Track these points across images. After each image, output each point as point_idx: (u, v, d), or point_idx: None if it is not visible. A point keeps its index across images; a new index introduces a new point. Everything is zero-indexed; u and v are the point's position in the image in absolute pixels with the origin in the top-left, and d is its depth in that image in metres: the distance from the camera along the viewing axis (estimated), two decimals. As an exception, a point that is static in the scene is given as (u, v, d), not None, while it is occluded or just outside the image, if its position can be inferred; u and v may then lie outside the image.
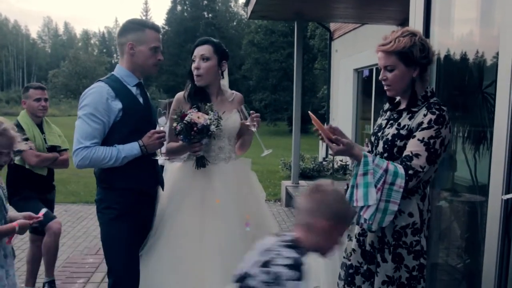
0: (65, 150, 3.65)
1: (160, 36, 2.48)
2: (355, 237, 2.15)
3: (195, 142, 2.45)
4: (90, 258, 4.63)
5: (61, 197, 7.91)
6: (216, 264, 2.41)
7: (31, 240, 3.65)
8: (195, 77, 2.60)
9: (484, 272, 2.17)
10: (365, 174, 1.89)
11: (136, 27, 2.39)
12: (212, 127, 2.42)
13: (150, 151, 2.38)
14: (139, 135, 2.36)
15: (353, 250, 2.15)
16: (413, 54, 1.93)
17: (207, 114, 2.43)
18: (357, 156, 1.93)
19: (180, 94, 2.67)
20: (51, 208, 3.67)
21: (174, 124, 2.43)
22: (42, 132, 3.57)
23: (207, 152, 2.56)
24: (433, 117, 1.90)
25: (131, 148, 2.32)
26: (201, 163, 2.53)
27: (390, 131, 2.02)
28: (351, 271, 2.15)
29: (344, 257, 2.25)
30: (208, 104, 2.51)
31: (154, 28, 2.43)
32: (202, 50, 2.58)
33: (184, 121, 2.37)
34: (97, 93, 2.30)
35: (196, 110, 2.44)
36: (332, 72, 11.67)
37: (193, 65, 2.59)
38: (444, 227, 3.06)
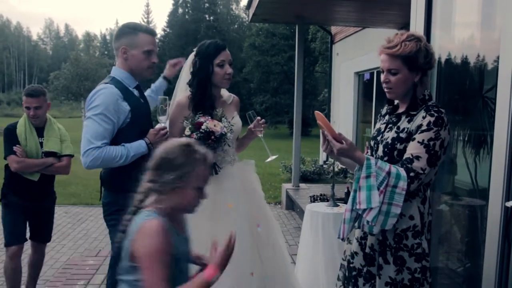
0: (68, 156, 3.42)
1: (155, 39, 2.47)
2: (357, 240, 2.15)
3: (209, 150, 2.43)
4: (90, 260, 4.63)
5: (61, 199, 7.90)
6: (227, 270, 2.40)
7: (33, 246, 3.57)
8: (227, 81, 2.57)
9: (484, 276, 2.17)
10: (367, 176, 1.89)
11: (129, 31, 2.40)
12: (229, 135, 2.41)
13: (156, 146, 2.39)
14: (145, 136, 2.38)
15: (355, 253, 2.15)
16: (418, 60, 1.95)
17: (220, 121, 2.41)
18: (359, 158, 1.92)
19: (181, 100, 2.61)
20: (44, 217, 3.53)
21: (188, 133, 2.39)
22: (42, 135, 3.34)
23: (214, 158, 2.55)
24: (432, 119, 1.91)
25: (139, 146, 2.33)
26: (214, 170, 2.51)
27: (390, 135, 2.03)
28: (354, 273, 2.15)
29: (343, 259, 2.26)
30: (218, 110, 2.49)
31: (148, 31, 2.42)
32: (229, 54, 2.57)
33: (201, 130, 2.34)
34: (108, 93, 2.31)
35: (209, 117, 2.42)
36: (333, 75, 11.69)
37: (227, 71, 2.53)
38: (444, 230, 3.06)
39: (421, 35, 2.05)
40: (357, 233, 2.15)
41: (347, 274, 2.19)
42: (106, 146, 2.26)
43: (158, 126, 2.42)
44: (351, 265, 2.17)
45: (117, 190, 2.41)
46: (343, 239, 2.06)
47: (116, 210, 2.40)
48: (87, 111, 2.33)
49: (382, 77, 2.04)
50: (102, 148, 2.25)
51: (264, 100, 30.21)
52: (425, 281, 2.00)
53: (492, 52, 2.38)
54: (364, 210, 1.90)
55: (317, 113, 1.99)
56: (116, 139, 2.32)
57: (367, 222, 1.92)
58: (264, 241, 2.58)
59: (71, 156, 3.44)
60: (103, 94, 2.30)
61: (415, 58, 1.94)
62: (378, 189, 1.86)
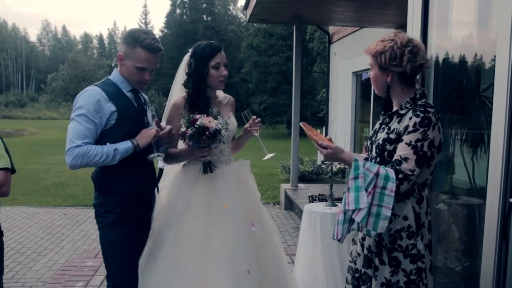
0: (3, 169, 2.31)
1: (154, 57, 2.39)
2: (359, 241, 2.15)
3: (204, 146, 2.44)
4: (89, 261, 4.63)
5: (59, 200, 7.92)
6: (223, 268, 2.41)
7: None
8: (221, 83, 2.57)
9: (482, 275, 2.18)
10: (355, 178, 1.91)
11: (130, 41, 2.37)
12: (223, 132, 2.42)
13: (142, 145, 2.36)
14: (133, 137, 2.37)
15: (358, 254, 2.16)
16: (382, 60, 1.97)
17: (216, 119, 2.42)
18: (347, 160, 1.99)
19: (177, 100, 2.61)
20: None
21: (183, 129, 2.39)
22: None
23: (210, 156, 2.56)
24: (418, 120, 1.90)
25: (123, 142, 2.33)
26: (209, 168, 2.52)
27: (381, 135, 2.04)
28: (357, 275, 2.16)
29: (350, 261, 2.26)
30: (214, 109, 2.49)
31: (147, 47, 2.34)
32: (224, 56, 2.57)
33: (196, 126, 2.34)
34: (89, 95, 2.33)
35: (205, 114, 2.42)
36: (331, 75, 11.70)
37: (222, 73, 2.53)
38: (442, 229, 3.07)
39: (402, 35, 2.01)
40: (360, 234, 2.15)
41: (353, 276, 2.19)
42: (87, 145, 2.27)
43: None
44: (355, 267, 2.17)
45: (105, 192, 2.42)
46: (339, 240, 2.06)
47: (104, 212, 2.41)
48: (71, 114, 2.36)
49: None
50: (82, 146, 2.26)
51: (262, 100, 30.19)
52: (421, 282, 1.99)
53: (488, 51, 2.39)
54: (354, 211, 1.91)
55: (303, 123, 2.08)
56: (102, 139, 2.33)
57: (357, 223, 1.94)
58: (259, 241, 2.59)
59: (6, 169, 2.33)
60: (85, 96, 2.33)
61: (379, 58, 1.98)
62: (366, 190, 1.88)
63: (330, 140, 2.13)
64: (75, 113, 2.32)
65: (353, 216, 1.92)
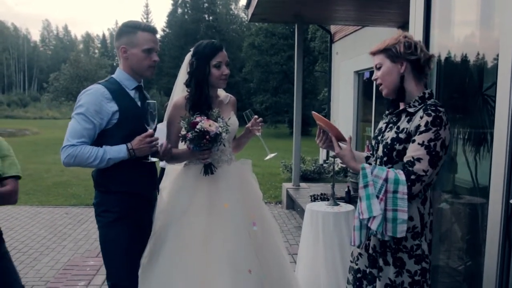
0: (14, 177, 2.29)
1: (156, 37, 2.46)
2: None
3: (205, 149, 2.44)
4: (91, 261, 4.63)
5: (61, 200, 7.93)
6: (223, 267, 2.41)
7: None
8: (223, 82, 2.57)
9: (485, 274, 2.17)
10: (365, 186, 1.90)
11: (129, 30, 2.39)
12: (224, 135, 2.41)
13: (139, 155, 2.34)
14: (133, 139, 2.34)
15: (360, 254, 2.15)
16: (397, 50, 1.99)
17: (216, 121, 2.41)
18: (354, 169, 1.99)
19: (178, 101, 2.60)
20: None
21: (183, 132, 2.38)
22: None
23: (210, 158, 2.55)
24: (430, 119, 1.89)
25: (119, 151, 2.30)
26: (210, 170, 2.51)
27: (390, 135, 2.03)
28: (359, 275, 2.15)
29: (351, 261, 2.25)
30: (214, 110, 2.49)
31: (147, 29, 2.40)
32: (225, 55, 2.57)
33: (196, 130, 2.34)
34: (91, 94, 2.32)
35: (205, 117, 2.41)
36: (332, 74, 11.68)
37: (224, 72, 2.53)
38: (445, 229, 3.06)
39: (407, 33, 2.09)
40: None
41: (355, 276, 2.18)
42: (82, 145, 2.27)
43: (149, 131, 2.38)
44: (357, 267, 2.17)
45: (104, 191, 2.42)
46: (358, 247, 2.06)
47: (103, 211, 2.41)
48: (73, 110, 2.36)
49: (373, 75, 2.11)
50: (78, 146, 2.26)
51: (264, 100, 30.19)
52: (425, 283, 1.98)
53: (491, 50, 2.38)
54: (368, 219, 1.90)
55: (314, 114, 2.02)
56: (102, 139, 2.32)
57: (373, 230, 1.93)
58: (260, 240, 2.58)
59: (17, 177, 2.31)
60: (87, 95, 2.33)
61: (394, 49, 1.99)
62: (378, 197, 1.87)
63: (350, 139, 2.11)
64: (75, 111, 2.32)
65: (368, 225, 1.91)
